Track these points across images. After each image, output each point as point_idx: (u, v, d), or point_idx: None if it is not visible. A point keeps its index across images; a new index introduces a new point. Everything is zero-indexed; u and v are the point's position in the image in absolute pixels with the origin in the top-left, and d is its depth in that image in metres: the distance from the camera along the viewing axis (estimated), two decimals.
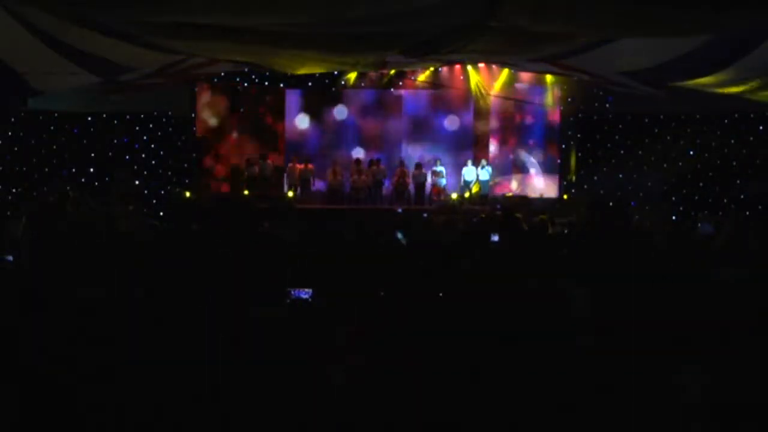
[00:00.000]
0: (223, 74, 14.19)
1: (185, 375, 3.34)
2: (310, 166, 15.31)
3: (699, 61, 7.50)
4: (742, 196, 13.41)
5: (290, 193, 15.05)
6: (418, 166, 15.27)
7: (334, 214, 12.58)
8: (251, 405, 3.24)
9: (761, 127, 14.05)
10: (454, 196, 15.07)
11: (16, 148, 13.70)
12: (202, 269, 4.79)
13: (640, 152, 14.22)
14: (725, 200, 13.70)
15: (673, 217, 13.21)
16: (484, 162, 15.17)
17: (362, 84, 15.53)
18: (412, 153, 15.73)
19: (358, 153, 15.87)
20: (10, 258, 5.80)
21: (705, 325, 3.59)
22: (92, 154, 14.25)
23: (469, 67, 15.18)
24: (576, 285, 4.18)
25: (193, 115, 15.05)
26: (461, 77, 15.46)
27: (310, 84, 15.46)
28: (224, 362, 3.41)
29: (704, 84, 8.57)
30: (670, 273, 4.72)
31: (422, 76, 15.48)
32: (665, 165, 14.05)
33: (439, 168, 15.19)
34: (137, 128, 14.47)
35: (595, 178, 14.70)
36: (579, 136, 15.14)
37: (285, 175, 15.42)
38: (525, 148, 15.85)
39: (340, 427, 3.21)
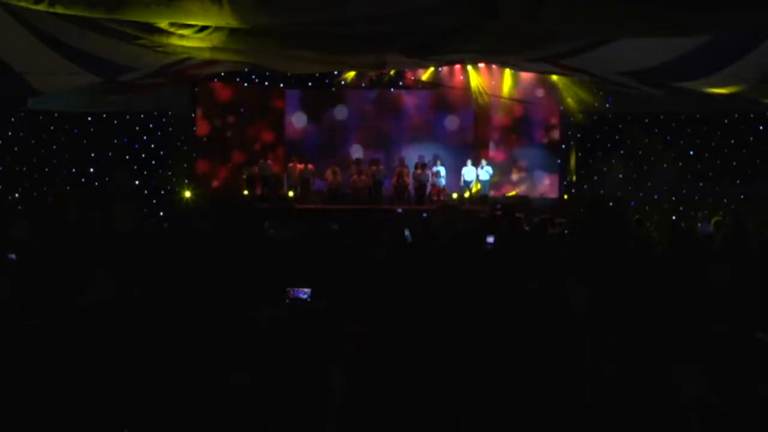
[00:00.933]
0: (223, 74, 14.20)
1: (185, 375, 3.34)
2: (310, 166, 15.27)
3: (699, 61, 7.50)
4: (742, 196, 13.39)
5: (290, 193, 15.03)
6: (422, 166, 15.19)
7: (334, 214, 12.56)
8: (251, 405, 3.24)
9: (761, 127, 14.03)
10: (454, 196, 15.05)
11: (16, 148, 13.68)
12: (201, 269, 4.80)
13: (639, 152, 14.20)
14: (725, 200, 13.67)
15: (673, 217, 13.22)
16: (484, 162, 15.13)
17: (362, 84, 15.53)
18: (412, 153, 15.68)
19: (358, 153, 15.85)
20: (13, 256, 5.79)
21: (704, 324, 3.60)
22: (92, 154, 14.23)
23: (469, 67, 15.17)
24: (576, 285, 4.18)
25: (193, 115, 15.02)
26: (461, 77, 15.45)
27: (310, 84, 15.46)
28: (224, 362, 3.41)
29: (704, 84, 8.57)
30: (670, 273, 4.73)
31: (422, 77, 15.47)
32: (665, 165, 14.04)
33: (439, 168, 15.17)
34: (137, 128, 14.45)
35: (595, 178, 14.69)
36: (579, 136, 15.12)
37: (285, 175, 15.41)
38: (525, 148, 15.83)
39: (340, 428, 3.21)
